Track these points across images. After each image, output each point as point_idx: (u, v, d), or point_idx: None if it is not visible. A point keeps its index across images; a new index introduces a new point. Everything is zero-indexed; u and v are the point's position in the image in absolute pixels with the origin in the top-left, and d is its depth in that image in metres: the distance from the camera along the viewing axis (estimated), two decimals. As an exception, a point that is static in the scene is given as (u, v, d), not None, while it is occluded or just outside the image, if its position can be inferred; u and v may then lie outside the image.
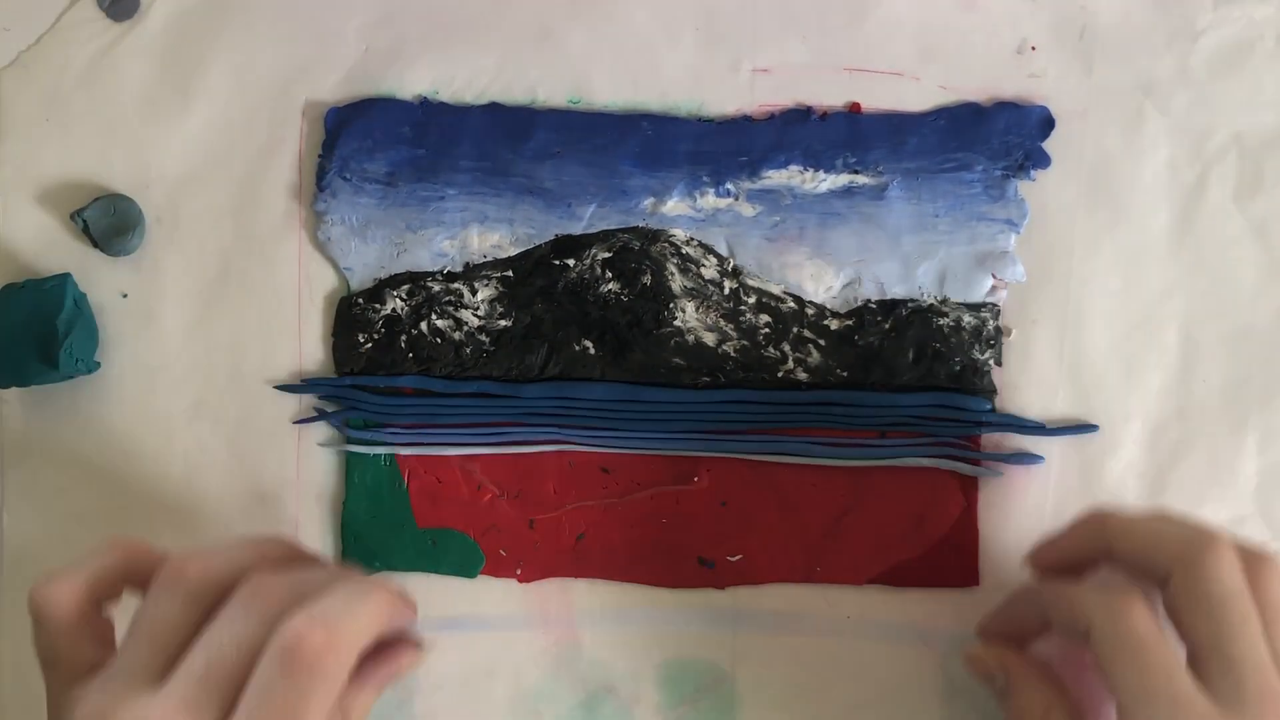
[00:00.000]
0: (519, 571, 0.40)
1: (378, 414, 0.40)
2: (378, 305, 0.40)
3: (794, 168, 0.40)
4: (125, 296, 0.40)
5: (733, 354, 0.40)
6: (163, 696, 0.30)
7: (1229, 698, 0.31)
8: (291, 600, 0.31)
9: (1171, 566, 0.32)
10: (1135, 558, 0.34)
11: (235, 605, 0.31)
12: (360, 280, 0.40)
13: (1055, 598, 0.34)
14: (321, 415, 0.40)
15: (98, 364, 0.40)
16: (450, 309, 0.40)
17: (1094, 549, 0.35)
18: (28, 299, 0.39)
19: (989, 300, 0.40)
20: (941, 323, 0.40)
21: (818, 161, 0.40)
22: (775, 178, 0.40)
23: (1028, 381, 0.40)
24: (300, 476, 0.40)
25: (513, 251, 0.40)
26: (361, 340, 0.40)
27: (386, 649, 0.35)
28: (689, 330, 0.40)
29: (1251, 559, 0.33)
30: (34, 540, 0.40)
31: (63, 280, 0.39)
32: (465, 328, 0.40)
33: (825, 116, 0.40)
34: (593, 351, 0.40)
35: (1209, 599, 0.32)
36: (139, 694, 0.30)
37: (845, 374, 0.40)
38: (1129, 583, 0.33)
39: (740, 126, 0.40)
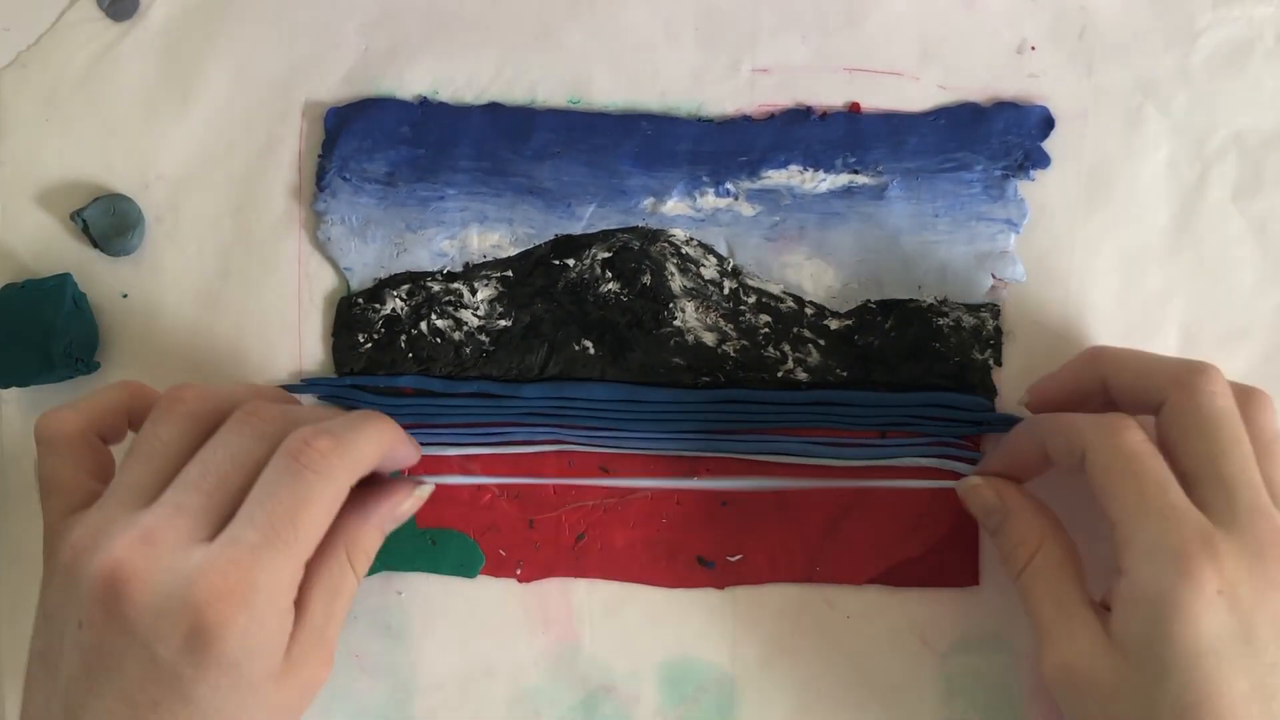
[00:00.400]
0: (519, 571, 0.40)
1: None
2: (377, 305, 0.40)
3: (794, 168, 0.40)
4: (125, 296, 0.40)
5: (732, 354, 0.40)
6: (156, 506, 0.31)
7: (1222, 514, 0.31)
8: (289, 424, 0.32)
9: (1166, 391, 0.33)
10: (1130, 386, 0.34)
11: (232, 423, 0.32)
12: (360, 280, 0.40)
13: (1051, 426, 0.35)
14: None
15: (97, 364, 0.40)
16: (450, 309, 0.40)
17: (1090, 383, 0.36)
18: (27, 299, 0.39)
19: (989, 300, 0.40)
20: (941, 323, 0.40)
21: (817, 161, 0.40)
22: (775, 177, 0.40)
23: (1028, 381, 0.40)
24: (300, 476, 0.40)
25: (512, 251, 0.40)
26: (361, 340, 0.40)
27: (388, 490, 0.35)
28: (689, 330, 0.40)
29: (1242, 392, 0.33)
30: (33, 541, 0.40)
31: (62, 280, 0.39)
32: (465, 328, 0.40)
33: (825, 116, 0.40)
34: (592, 351, 0.40)
35: (1201, 418, 0.32)
36: (134, 511, 0.31)
37: (845, 374, 0.40)
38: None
39: (740, 126, 0.40)
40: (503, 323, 0.40)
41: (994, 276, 0.40)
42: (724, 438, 0.40)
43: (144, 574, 0.29)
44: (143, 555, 0.30)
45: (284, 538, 0.30)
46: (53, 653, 0.31)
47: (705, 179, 0.40)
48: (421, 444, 0.40)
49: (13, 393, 0.40)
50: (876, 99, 0.40)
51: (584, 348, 0.40)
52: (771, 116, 0.40)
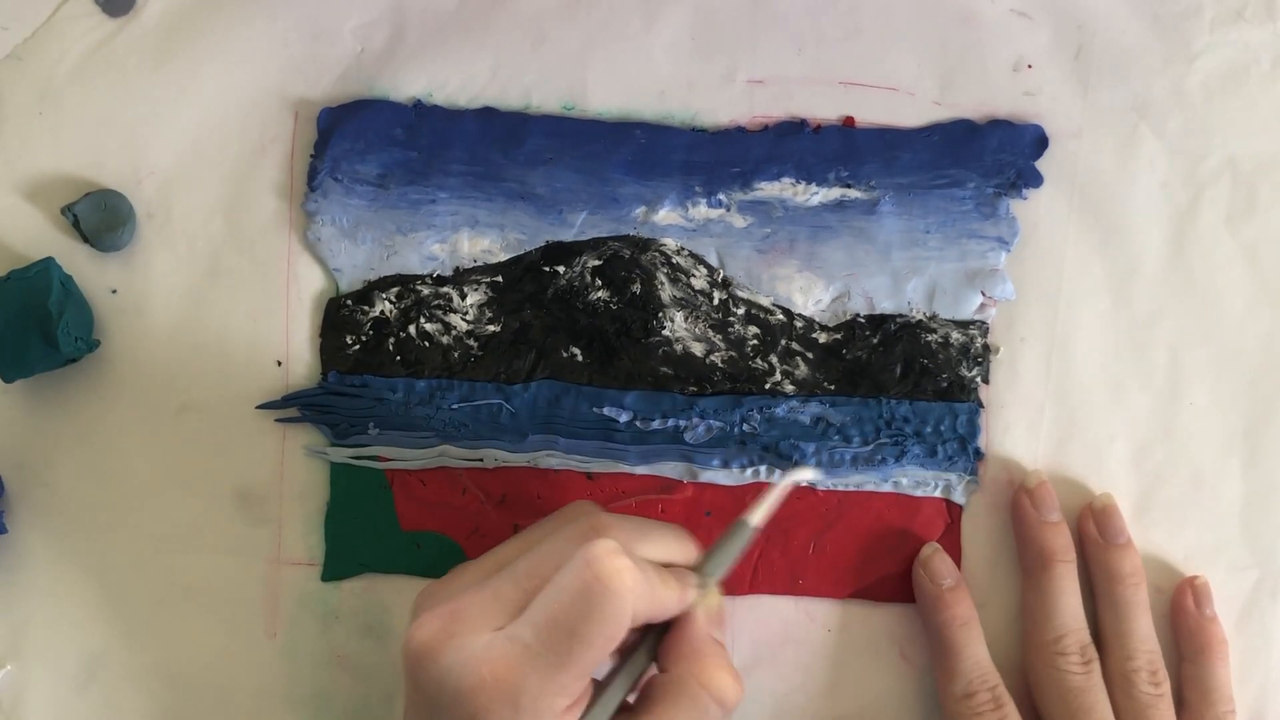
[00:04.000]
0: (501, 576, 0.40)
1: (362, 418, 0.40)
2: (366, 307, 0.40)
3: (786, 180, 0.40)
4: (114, 292, 0.40)
5: (720, 365, 0.40)
6: (478, 589, 0.32)
7: None
8: (605, 532, 0.33)
9: None
10: None
11: (567, 522, 0.34)
12: (349, 282, 0.40)
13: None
14: (305, 416, 0.40)
15: (97, 342, 0.40)
16: (439, 313, 0.40)
17: None
18: (15, 290, 0.39)
19: (978, 317, 0.40)
20: (929, 339, 0.40)
21: (810, 174, 0.40)
22: (767, 189, 0.40)
23: (1014, 399, 0.40)
24: (284, 476, 0.40)
25: (503, 257, 0.40)
26: (349, 341, 0.40)
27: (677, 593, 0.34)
28: (677, 340, 0.40)
29: None
30: (23, 535, 0.41)
31: (46, 264, 0.39)
32: (454, 332, 0.40)
33: (819, 129, 0.40)
34: (580, 359, 0.40)
35: None
36: (471, 590, 0.33)
37: (833, 388, 0.40)
38: None
39: (734, 137, 0.40)
40: (491, 328, 0.40)
41: (983, 294, 0.40)
42: (709, 449, 0.40)
43: (437, 649, 0.31)
44: (443, 630, 0.31)
45: (559, 646, 0.30)
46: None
47: (698, 189, 0.40)
48: (409, 449, 0.40)
49: (0, 387, 0.40)
50: (871, 113, 0.40)
51: (572, 354, 0.40)
52: (765, 128, 0.40)
